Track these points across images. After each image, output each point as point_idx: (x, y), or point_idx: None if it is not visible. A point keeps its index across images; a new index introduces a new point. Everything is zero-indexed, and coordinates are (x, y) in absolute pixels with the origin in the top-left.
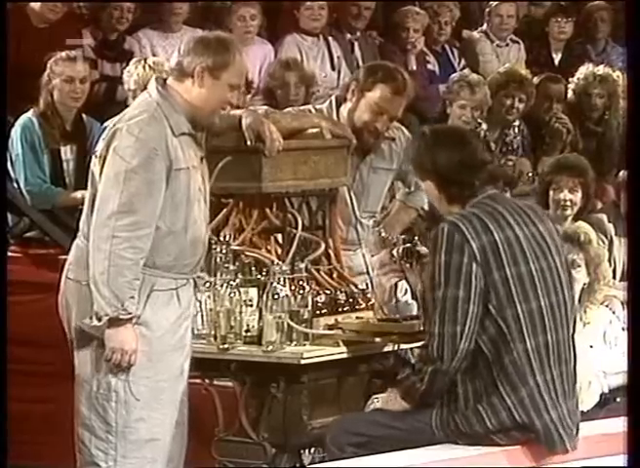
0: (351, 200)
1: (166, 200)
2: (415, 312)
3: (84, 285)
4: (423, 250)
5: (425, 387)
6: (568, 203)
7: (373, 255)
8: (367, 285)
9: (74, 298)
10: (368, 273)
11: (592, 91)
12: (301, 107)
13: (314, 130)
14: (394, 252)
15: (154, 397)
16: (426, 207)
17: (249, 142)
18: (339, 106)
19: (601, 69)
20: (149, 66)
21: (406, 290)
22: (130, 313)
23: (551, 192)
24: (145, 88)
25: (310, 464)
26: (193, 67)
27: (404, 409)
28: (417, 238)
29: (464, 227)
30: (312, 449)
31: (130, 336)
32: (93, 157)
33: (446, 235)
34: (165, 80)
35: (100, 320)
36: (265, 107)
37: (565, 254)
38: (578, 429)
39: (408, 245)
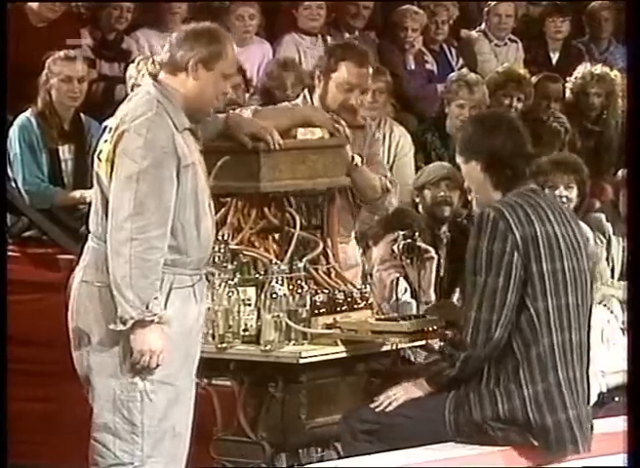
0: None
1: (177, 197)
2: (414, 311)
3: (103, 288)
4: (424, 246)
5: (457, 373)
6: (564, 199)
7: (373, 245)
8: (365, 284)
9: (93, 302)
10: (363, 265)
11: (590, 90)
12: (279, 105)
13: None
14: (395, 247)
15: (176, 394)
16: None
17: (248, 146)
18: (311, 97)
19: (599, 68)
20: (158, 63)
21: (405, 288)
22: (155, 314)
23: (547, 190)
24: None
25: (309, 464)
26: (187, 60)
27: (417, 397)
28: (417, 234)
29: (509, 215)
30: (311, 449)
31: (156, 337)
32: (95, 159)
33: (491, 221)
34: (156, 76)
35: (124, 324)
36: (253, 107)
37: (591, 262)
38: (591, 434)
39: (409, 240)
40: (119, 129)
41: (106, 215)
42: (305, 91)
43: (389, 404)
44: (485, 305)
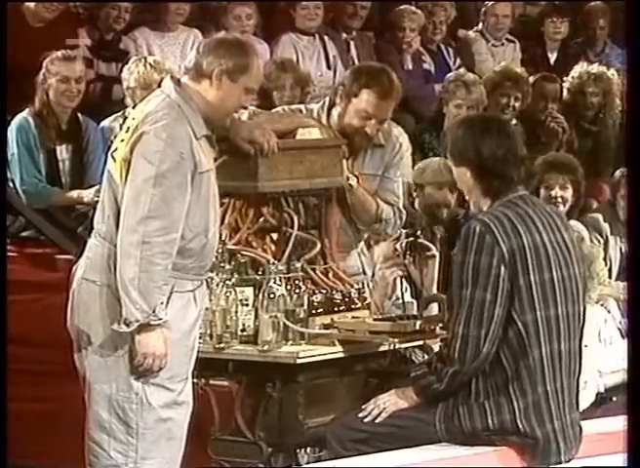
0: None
1: (190, 203)
2: (415, 310)
3: (104, 287)
4: (426, 243)
5: (444, 387)
6: (559, 200)
7: (375, 243)
8: (363, 284)
9: (93, 301)
10: (364, 273)
11: (587, 89)
12: (292, 107)
13: (305, 128)
14: (398, 245)
15: (173, 396)
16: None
17: (248, 151)
18: (330, 108)
19: (595, 68)
20: (150, 65)
21: (406, 287)
22: (160, 318)
23: (542, 190)
24: (147, 86)
25: (306, 464)
26: (212, 69)
27: (406, 407)
28: (419, 232)
29: (496, 229)
30: (308, 449)
31: (161, 341)
32: (109, 157)
33: (477, 235)
34: (179, 80)
35: (128, 326)
36: (252, 108)
37: (584, 265)
38: (577, 441)
39: (411, 239)
40: (138, 130)
41: (113, 214)
42: (325, 99)
43: (378, 414)
44: (473, 320)
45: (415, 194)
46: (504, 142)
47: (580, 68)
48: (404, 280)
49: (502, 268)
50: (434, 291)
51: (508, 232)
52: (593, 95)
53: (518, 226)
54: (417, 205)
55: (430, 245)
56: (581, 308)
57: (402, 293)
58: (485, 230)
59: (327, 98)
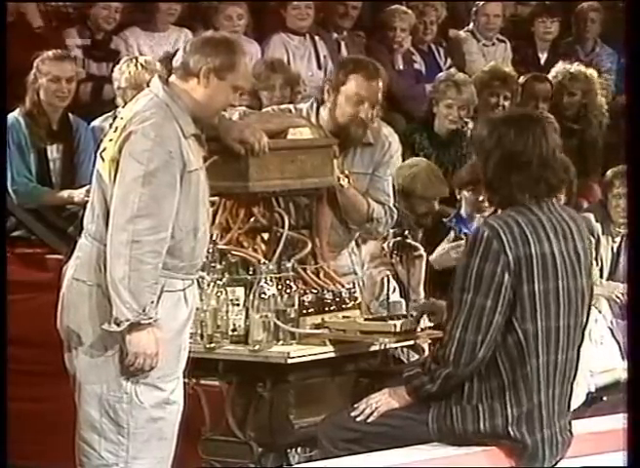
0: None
1: (180, 202)
2: (403, 310)
3: (95, 287)
4: (414, 243)
5: (437, 389)
6: None
7: (363, 243)
8: (354, 284)
9: (83, 301)
10: (355, 273)
11: (565, 88)
12: (282, 106)
13: (296, 128)
14: (385, 245)
15: (164, 396)
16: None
17: (238, 151)
18: (319, 107)
19: (573, 67)
20: (141, 65)
21: (394, 287)
22: (151, 317)
23: None
24: (138, 86)
25: (297, 464)
26: (199, 67)
27: (398, 407)
28: (407, 231)
29: (504, 235)
30: (299, 449)
31: (152, 340)
32: (97, 157)
33: (485, 241)
34: (167, 79)
35: (119, 325)
36: (243, 108)
37: (591, 276)
38: (565, 448)
39: (399, 238)
40: (126, 129)
41: (102, 214)
42: (313, 99)
43: (370, 414)
44: (471, 325)
45: (399, 196)
46: (541, 143)
47: (557, 68)
48: (392, 279)
49: (506, 276)
50: (421, 291)
51: (516, 239)
52: (571, 94)
53: (527, 233)
54: (398, 204)
55: (418, 245)
56: (584, 320)
57: (387, 294)
58: (492, 236)
59: (314, 99)
